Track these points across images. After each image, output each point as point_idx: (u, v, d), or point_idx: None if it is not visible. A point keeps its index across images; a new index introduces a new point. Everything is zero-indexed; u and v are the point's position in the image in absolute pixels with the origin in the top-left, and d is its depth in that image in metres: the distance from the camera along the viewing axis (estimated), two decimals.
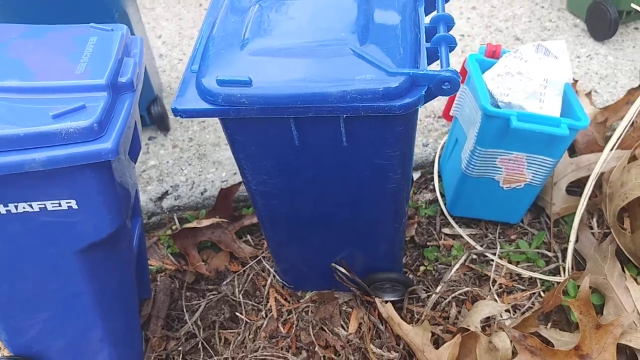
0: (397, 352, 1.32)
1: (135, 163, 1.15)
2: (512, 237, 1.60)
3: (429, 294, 1.46)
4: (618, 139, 1.52)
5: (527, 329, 1.26)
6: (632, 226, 1.46)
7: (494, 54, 1.55)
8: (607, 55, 2.13)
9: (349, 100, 0.94)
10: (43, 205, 0.94)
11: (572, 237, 1.49)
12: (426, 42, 1.06)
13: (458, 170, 1.53)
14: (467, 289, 1.46)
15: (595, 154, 1.60)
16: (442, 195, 1.68)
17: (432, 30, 1.10)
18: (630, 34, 2.23)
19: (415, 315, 1.42)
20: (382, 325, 1.38)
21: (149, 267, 1.50)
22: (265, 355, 1.34)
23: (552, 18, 2.32)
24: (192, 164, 1.77)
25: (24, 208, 0.94)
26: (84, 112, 0.89)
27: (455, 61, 1.99)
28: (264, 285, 1.50)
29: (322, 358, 1.34)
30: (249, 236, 1.63)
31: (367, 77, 0.94)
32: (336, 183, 1.14)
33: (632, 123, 1.57)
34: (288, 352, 1.35)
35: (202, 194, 1.69)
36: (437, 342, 1.34)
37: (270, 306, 1.45)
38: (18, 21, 1.29)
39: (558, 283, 1.44)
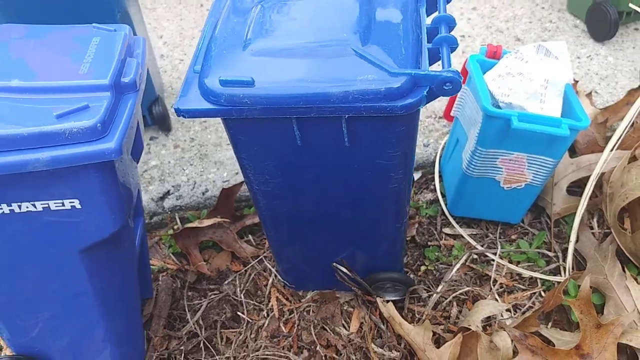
0: (399, 351, 1.33)
1: (137, 163, 1.16)
2: (513, 237, 1.61)
3: (430, 293, 1.47)
4: (618, 140, 1.52)
5: (528, 328, 1.27)
6: (633, 226, 1.46)
7: (494, 54, 1.55)
8: (607, 56, 2.13)
9: (351, 100, 0.94)
10: (46, 205, 0.94)
11: (573, 237, 1.50)
12: (428, 42, 1.06)
13: (459, 170, 1.53)
14: (467, 288, 1.46)
15: (596, 155, 1.60)
16: (443, 195, 1.68)
17: (433, 31, 1.10)
18: (631, 34, 2.23)
19: (417, 315, 1.42)
20: (384, 324, 1.39)
21: (151, 266, 1.50)
22: (267, 355, 1.34)
23: (552, 19, 2.32)
24: (194, 164, 1.78)
25: (27, 208, 0.94)
26: (88, 112, 0.90)
27: (456, 62, 1.99)
28: (266, 285, 1.51)
29: (323, 357, 1.34)
30: (250, 236, 1.63)
31: (369, 77, 0.94)
32: (338, 183, 1.14)
33: (632, 124, 1.57)
34: (289, 351, 1.35)
35: (203, 193, 1.69)
36: (438, 342, 1.34)
37: (272, 306, 1.45)
38: (20, 21, 1.30)
39: (558, 283, 1.44)
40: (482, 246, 1.57)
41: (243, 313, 1.44)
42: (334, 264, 1.36)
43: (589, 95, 1.88)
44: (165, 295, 1.45)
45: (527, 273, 1.50)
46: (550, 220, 1.60)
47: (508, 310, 1.42)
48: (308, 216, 1.24)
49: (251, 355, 1.34)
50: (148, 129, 1.87)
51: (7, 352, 1.32)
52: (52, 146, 0.87)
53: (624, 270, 1.37)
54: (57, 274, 1.06)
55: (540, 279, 1.49)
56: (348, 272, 1.36)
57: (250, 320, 1.43)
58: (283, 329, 1.40)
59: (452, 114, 1.65)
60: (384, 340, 1.35)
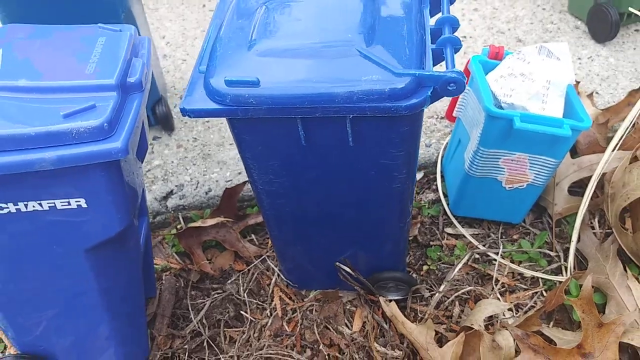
0: (401, 350, 1.33)
1: (142, 162, 1.16)
2: (515, 236, 1.61)
3: (432, 293, 1.47)
4: (620, 140, 1.53)
5: (530, 327, 1.27)
6: (634, 226, 1.47)
7: (497, 55, 1.55)
8: (608, 57, 2.14)
9: (355, 100, 0.95)
10: (53, 204, 0.95)
11: (574, 237, 1.50)
12: (431, 43, 1.07)
13: (461, 170, 1.54)
14: (469, 288, 1.47)
15: (597, 155, 1.61)
16: (445, 195, 1.69)
17: (437, 32, 1.11)
18: (631, 35, 2.24)
19: (419, 314, 1.43)
20: (386, 324, 1.39)
21: (154, 266, 1.51)
22: (270, 354, 1.34)
23: (553, 20, 2.33)
24: (197, 164, 1.78)
25: (33, 207, 0.94)
26: (94, 111, 0.90)
27: (458, 62, 1.99)
28: (269, 284, 1.51)
29: (326, 356, 1.35)
30: (253, 235, 1.64)
31: (374, 77, 0.95)
32: (342, 183, 1.15)
33: (634, 124, 1.58)
34: (293, 350, 1.36)
35: (206, 193, 1.70)
36: (440, 341, 1.35)
37: (275, 305, 1.46)
38: (25, 21, 1.30)
39: (560, 282, 1.45)
40: (484, 246, 1.58)
41: (246, 312, 1.45)
42: (337, 263, 1.36)
43: (590, 96, 1.89)
44: (169, 295, 1.46)
45: (528, 273, 1.50)
46: (552, 220, 1.61)
47: (510, 309, 1.42)
48: (312, 216, 1.24)
49: (255, 354, 1.35)
50: (151, 128, 1.88)
51: (12, 350, 1.32)
52: (59, 146, 0.87)
53: (625, 270, 1.37)
54: (62, 273, 1.06)
55: (542, 278, 1.50)
56: (351, 272, 1.36)
57: (254, 320, 1.43)
58: (286, 328, 1.41)
59: (454, 114, 1.65)
60: (387, 339, 1.36)
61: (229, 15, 1.14)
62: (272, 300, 1.47)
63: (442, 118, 1.91)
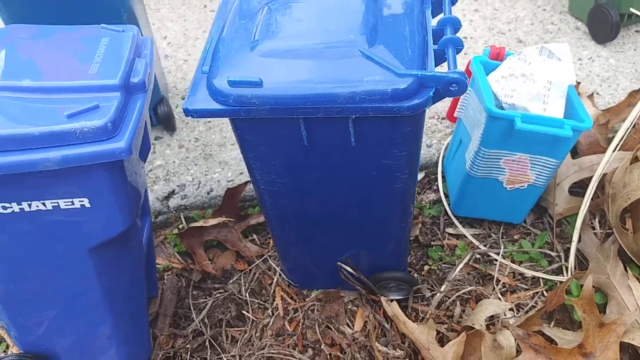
0: (403, 350, 1.34)
1: (144, 162, 1.17)
2: (515, 237, 1.62)
3: (433, 293, 1.48)
4: (620, 141, 1.53)
5: (531, 327, 1.28)
6: (635, 226, 1.47)
7: (497, 56, 1.56)
8: (608, 58, 2.15)
9: (358, 101, 0.95)
10: (56, 204, 0.95)
11: (575, 237, 1.51)
12: (433, 44, 1.07)
13: (462, 170, 1.54)
14: (470, 288, 1.47)
15: (598, 155, 1.61)
16: (446, 196, 1.69)
17: (439, 33, 1.12)
18: (632, 36, 2.24)
19: (420, 314, 1.43)
20: (388, 323, 1.40)
21: (156, 265, 1.51)
22: (272, 353, 1.35)
23: (554, 21, 2.34)
24: (198, 164, 1.79)
25: (37, 206, 0.95)
26: (98, 111, 0.91)
27: (459, 63, 2.00)
28: (270, 284, 1.51)
29: (328, 356, 1.35)
30: (254, 235, 1.64)
31: (376, 78, 0.95)
32: (344, 183, 1.15)
33: (634, 125, 1.59)
34: (294, 349, 1.36)
35: (208, 193, 1.70)
36: (441, 341, 1.35)
37: (277, 304, 1.46)
38: (27, 21, 1.30)
39: (561, 282, 1.45)
40: (485, 246, 1.58)
41: (248, 312, 1.45)
42: (339, 263, 1.37)
43: (590, 96, 1.89)
44: (171, 294, 1.46)
45: (529, 273, 1.51)
46: (553, 221, 1.61)
47: (511, 309, 1.43)
48: (314, 216, 1.25)
49: (256, 353, 1.35)
50: (153, 129, 1.88)
51: (14, 350, 1.32)
52: (63, 145, 0.87)
53: (626, 270, 1.38)
54: (65, 273, 1.07)
55: (543, 278, 1.50)
56: (353, 272, 1.37)
57: (255, 319, 1.43)
58: (288, 327, 1.41)
59: (455, 114, 1.66)
60: (388, 339, 1.36)
61: (232, 16, 1.14)
62: (274, 300, 1.47)
63: (443, 118, 1.92)
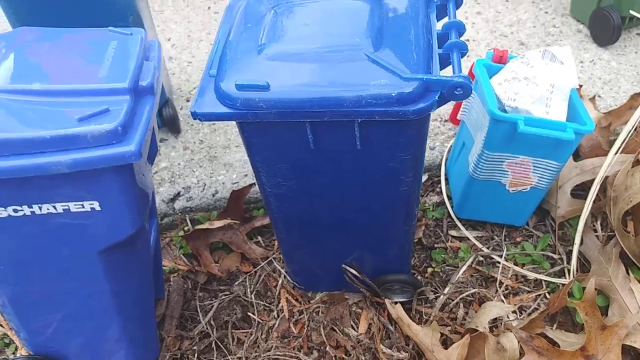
0: (407, 352, 1.35)
1: (152, 165, 1.17)
2: (518, 239, 1.63)
3: (437, 295, 1.49)
4: (622, 144, 1.54)
5: (534, 330, 1.29)
6: (636, 229, 1.48)
7: (501, 59, 1.57)
8: (610, 61, 2.16)
9: (364, 104, 0.96)
10: (67, 207, 0.96)
11: (577, 240, 1.51)
12: (438, 48, 1.08)
13: (465, 173, 1.55)
14: (474, 290, 1.48)
15: (600, 158, 1.62)
16: (449, 198, 1.70)
17: (443, 37, 1.12)
18: (633, 39, 2.25)
19: (424, 316, 1.44)
20: (392, 325, 1.40)
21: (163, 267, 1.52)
22: (278, 355, 1.36)
23: (556, 23, 2.35)
24: (203, 166, 1.80)
25: (47, 209, 0.96)
26: (108, 115, 0.91)
27: (462, 66, 2.01)
28: (275, 286, 1.52)
29: (333, 358, 1.36)
30: (259, 237, 1.65)
31: (382, 82, 0.96)
32: (349, 186, 1.16)
33: (636, 128, 1.60)
34: (300, 352, 1.37)
35: (213, 195, 1.71)
36: (445, 343, 1.36)
37: (282, 306, 1.47)
38: (34, 24, 1.31)
39: (563, 285, 1.46)
40: (487, 248, 1.59)
41: (254, 314, 1.46)
42: (344, 265, 1.37)
43: (592, 99, 1.90)
44: (177, 296, 1.47)
45: (532, 275, 1.52)
46: (555, 223, 1.62)
47: (514, 311, 1.44)
48: (319, 218, 1.25)
49: (262, 355, 1.36)
50: (158, 131, 1.89)
51: (23, 352, 1.33)
52: (74, 149, 0.88)
53: (627, 273, 1.39)
54: (74, 275, 1.07)
55: (545, 281, 1.51)
56: (357, 274, 1.37)
57: (261, 321, 1.44)
58: (293, 329, 1.42)
59: (458, 117, 1.67)
60: (393, 341, 1.37)
61: (238, 20, 1.15)
62: (279, 302, 1.48)
63: (446, 121, 1.93)
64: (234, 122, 1.06)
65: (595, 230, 1.60)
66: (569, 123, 1.38)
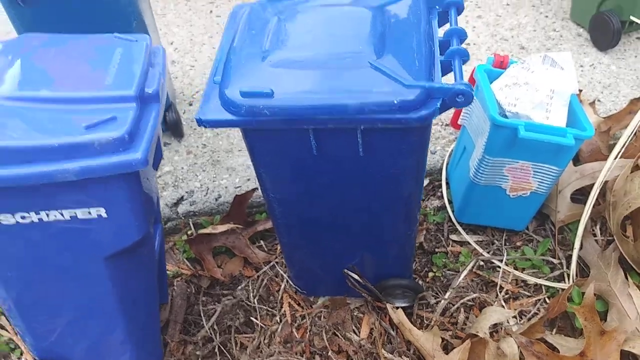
0: (408, 357, 1.36)
1: (156, 171, 1.18)
2: (518, 243, 1.64)
3: (437, 299, 1.50)
4: (622, 148, 1.55)
5: (534, 335, 1.29)
6: (635, 234, 1.49)
7: (501, 64, 1.58)
8: (610, 65, 2.17)
9: (366, 112, 0.97)
10: (74, 214, 0.97)
11: (577, 245, 1.52)
12: (440, 54, 1.09)
13: (466, 178, 1.56)
14: (474, 295, 1.49)
15: (599, 162, 1.63)
16: (450, 202, 1.71)
17: (445, 43, 1.14)
18: (633, 43, 2.27)
19: (425, 321, 1.45)
20: (393, 330, 1.41)
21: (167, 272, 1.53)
22: None
23: (556, 27, 2.36)
24: (206, 170, 1.80)
25: (55, 216, 0.96)
26: (115, 123, 0.92)
27: (463, 69, 2.02)
28: (278, 291, 1.53)
29: None
30: (262, 241, 1.66)
31: (385, 89, 0.97)
32: (352, 191, 1.17)
33: (635, 133, 1.60)
34: (302, 356, 1.38)
35: (216, 199, 1.72)
36: (446, 348, 1.37)
37: (284, 311, 1.48)
38: (39, 29, 1.32)
39: (562, 289, 1.47)
40: (488, 252, 1.60)
41: (256, 318, 1.46)
42: (346, 270, 1.38)
43: (592, 104, 1.91)
44: (181, 301, 1.47)
45: (531, 279, 1.53)
46: (555, 228, 1.63)
47: (514, 316, 1.44)
48: (321, 223, 1.26)
49: None
50: (162, 135, 1.90)
51: (28, 356, 1.34)
52: (81, 157, 0.89)
53: (626, 278, 1.40)
54: (80, 280, 1.08)
55: (545, 285, 1.52)
56: (359, 279, 1.38)
57: (264, 326, 1.45)
58: (296, 334, 1.43)
59: (459, 122, 1.68)
60: (394, 345, 1.38)
61: (242, 27, 1.16)
62: (282, 307, 1.49)
63: (447, 125, 1.94)
64: (240, 129, 1.07)
65: (595, 235, 1.61)
66: (569, 129, 1.39)
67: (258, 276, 1.56)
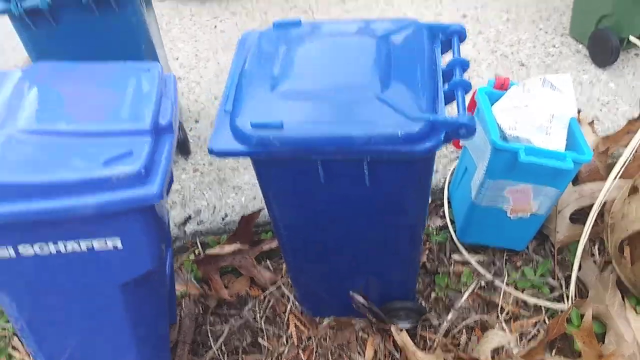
0: None
1: (168, 196, 1.21)
2: (518, 263, 1.66)
3: (440, 320, 1.52)
4: (621, 169, 1.57)
5: (534, 357, 1.32)
6: (632, 257, 1.51)
7: (502, 86, 1.60)
8: (608, 82, 2.18)
9: (372, 143, 0.99)
10: (90, 245, 0.99)
11: (576, 266, 1.53)
12: (443, 83, 1.12)
13: (468, 198, 1.59)
14: (476, 317, 1.50)
15: (598, 183, 1.65)
16: (452, 222, 1.73)
17: (448, 73, 1.16)
18: (631, 60, 2.27)
19: (428, 342, 1.47)
20: (397, 352, 1.43)
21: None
22: None
23: (555, 44, 2.37)
24: (213, 189, 1.82)
25: (72, 247, 0.99)
26: (131, 157, 0.94)
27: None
28: (284, 312, 1.55)
29: None
30: (268, 261, 1.67)
31: (389, 121, 0.99)
32: (358, 218, 1.19)
33: (633, 153, 1.62)
34: None
35: (223, 219, 1.74)
36: None
37: (291, 332, 1.49)
38: (49, 51, 1.34)
39: (562, 311, 1.49)
40: (489, 272, 1.62)
41: (263, 339, 1.48)
42: (351, 293, 1.41)
43: (591, 123, 1.94)
44: (189, 321, 1.49)
45: (532, 300, 1.55)
46: (554, 248, 1.65)
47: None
48: (327, 247, 1.29)
49: None
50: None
51: None
52: (100, 191, 0.91)
53: (624, 300, 1.42)
54: (93, 305, 1.11)
55: (545, 307, 1.54)
56: (364, 302, 1.41)
57: (271, 347, 1.47)
58: (302, 356, 1.44)
59: (461, 144, 1.70)
60: None
61: (251, 56, 1.18)
62: (288, 328, 1.51)
63: (448, 144, 1.96)
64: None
65: (593, 255, 1.63)
66: (568, 152, 1.41)
67: (264, 296, 1.58)
